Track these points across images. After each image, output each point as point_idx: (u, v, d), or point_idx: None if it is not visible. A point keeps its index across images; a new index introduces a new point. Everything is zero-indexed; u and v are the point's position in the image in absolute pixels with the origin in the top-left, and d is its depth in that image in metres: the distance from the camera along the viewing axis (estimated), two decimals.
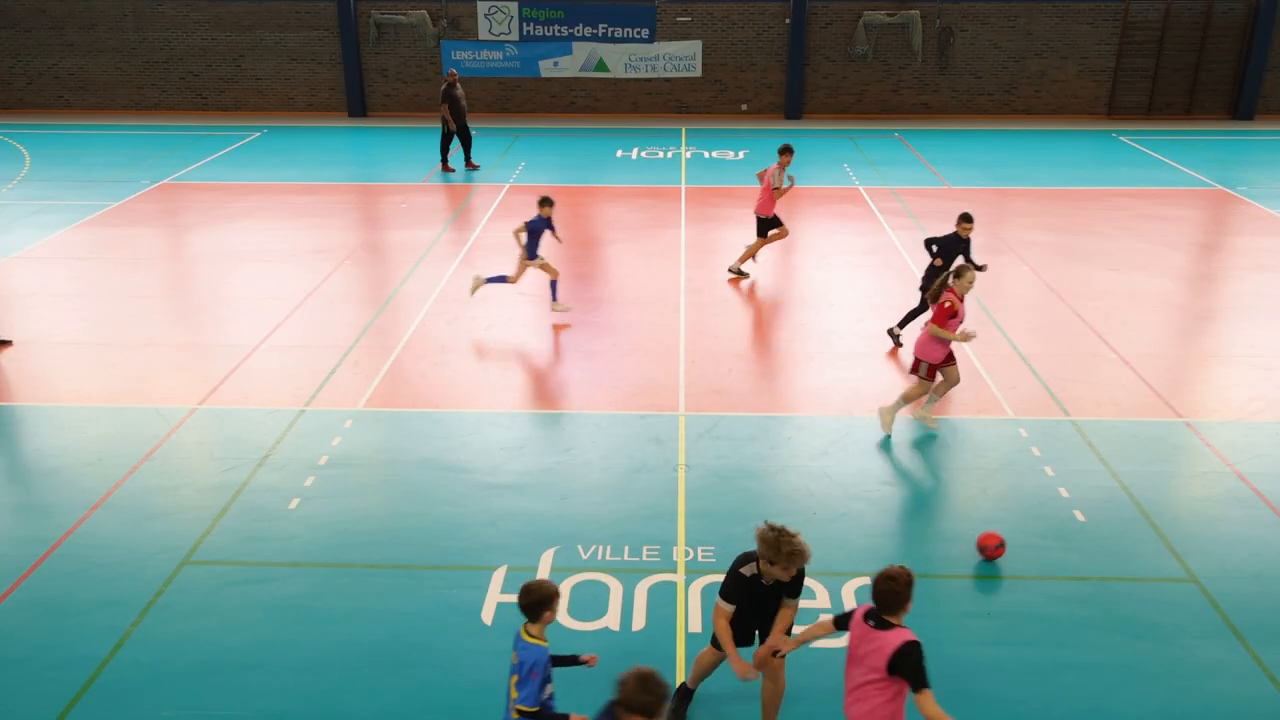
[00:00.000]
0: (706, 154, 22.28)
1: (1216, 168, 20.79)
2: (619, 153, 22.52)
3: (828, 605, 7.37)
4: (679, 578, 7.70)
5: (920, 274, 12.55)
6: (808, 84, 26.22)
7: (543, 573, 7.71)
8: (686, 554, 7.98)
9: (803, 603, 7.37)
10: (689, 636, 7.05)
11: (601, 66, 24.94)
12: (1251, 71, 25.33)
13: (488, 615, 7.29)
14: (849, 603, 7.38)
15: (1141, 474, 9.17)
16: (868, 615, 5.04)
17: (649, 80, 26.02)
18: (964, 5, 25.42)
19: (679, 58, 25.05)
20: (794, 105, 26.11)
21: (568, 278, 14.58)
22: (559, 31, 24.44)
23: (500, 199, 18.60)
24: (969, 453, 9.54)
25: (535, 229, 12.54)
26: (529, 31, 24.41)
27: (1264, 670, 6.72)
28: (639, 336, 12.38)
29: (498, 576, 7.69)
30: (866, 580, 7.58)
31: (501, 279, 12.80)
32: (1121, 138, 23.85)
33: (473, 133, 21.23)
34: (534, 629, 5.19)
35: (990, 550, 7.84)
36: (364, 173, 21.28)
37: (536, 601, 5.15)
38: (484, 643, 7.01)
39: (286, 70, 26.72)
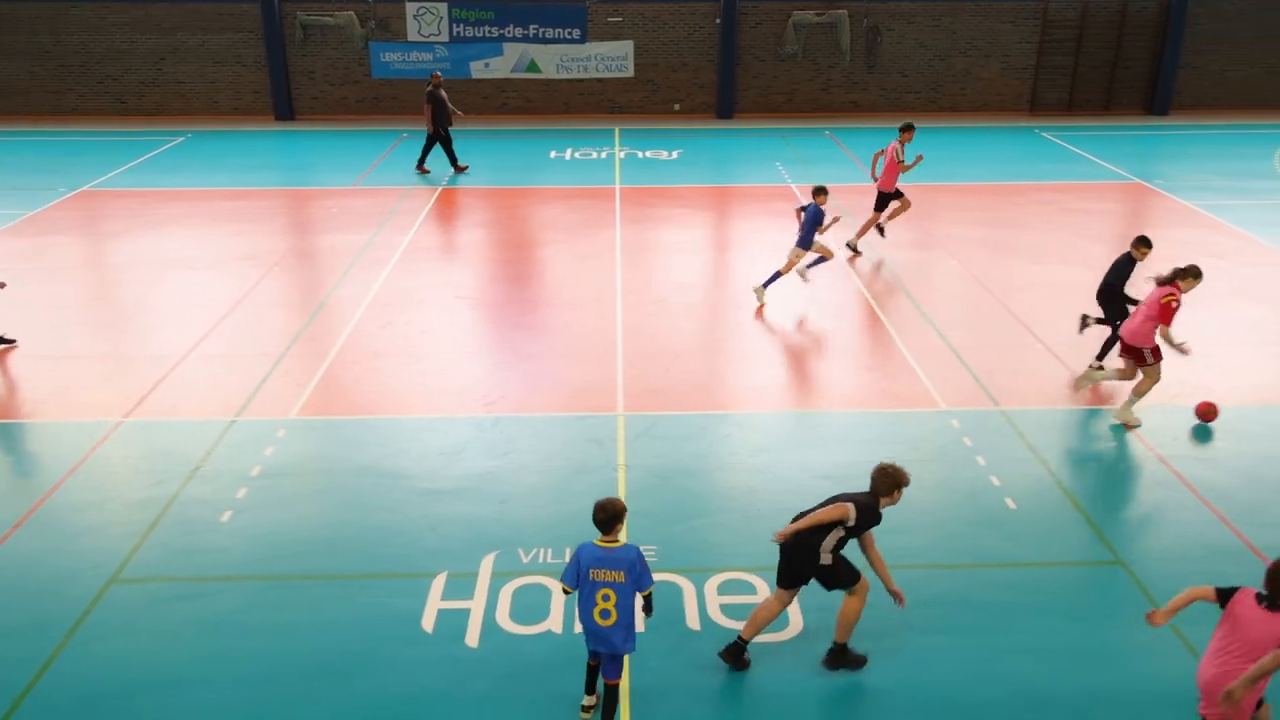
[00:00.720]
0: (640, 154, 22.33)
1: (1134, 161, 21.43)
2: (552, 154, 22.46)
3: None
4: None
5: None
6: (739, 83, 26.42)
7: (483, 579, 7.66)
8: None
9: (741, 597, 7.43)
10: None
11: (533, 67, 24.85)
12: (1165, 68, 26.14)
13: (428, 623, 7.21)
14: None
15: (1068, 461, 9.41)
16: (1259, 598, 5.33)
17: (581, 81, 25.99)
18: (890, 5, 25.83)
19: (611, 58, 25.06)
20: (726, 105, 26.29)
21: (503, 280, 14.50)
22: (489, 32, 24.29)
23: (433, 202, 18.42)
24: (903, 444, 9.69)
25: (813, 217, 12.98)
26: (459, 32, 24.21)
27: (1190, 649, 6.94)
28: (576, 338, 12.36)
29: (437, 583, 7.61)
30: None
31: (775, 277, 13.18)
32: (1044, 134, 24.44)
33: (405, 135, 20.98)
34: (611, 538, 6.00)
35: (1205, 413, 9.77)
36: (292, 177, 20.91)
37: (613, 515, 5.99)
38: (425, 651, 6.93)
39: (210, 73, 26.14)
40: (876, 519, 6.49)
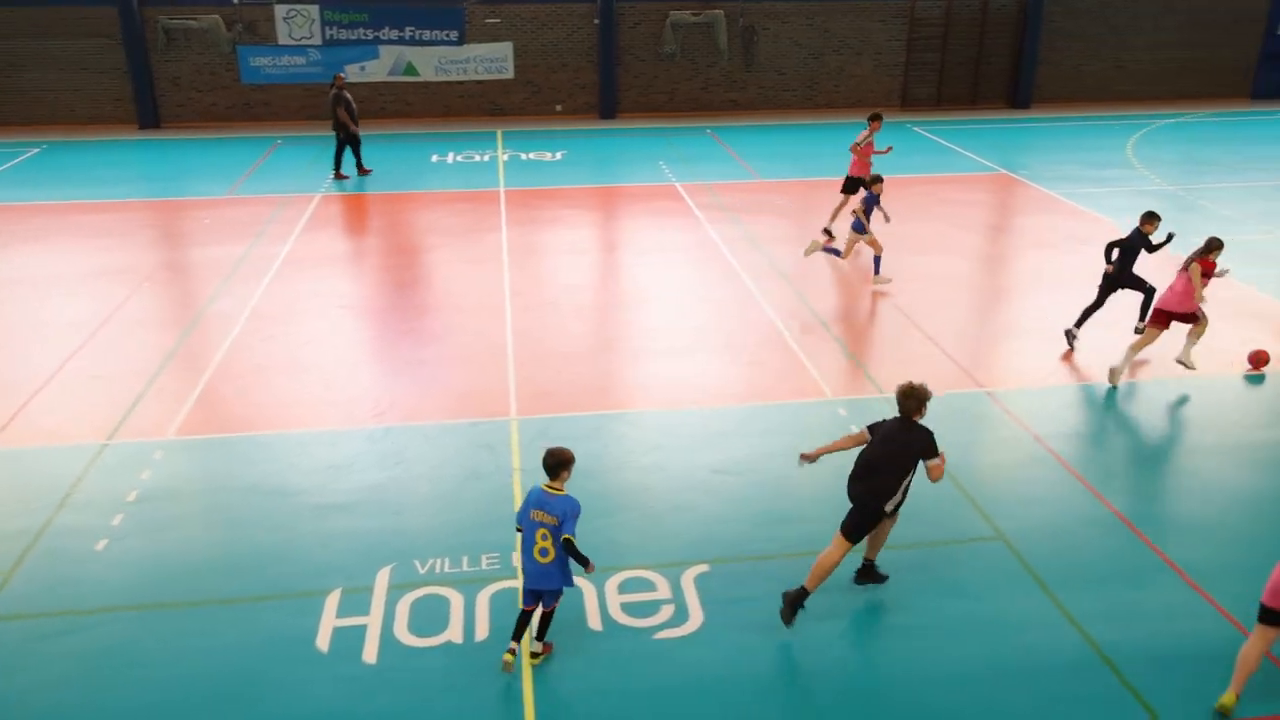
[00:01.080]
0: (524, 156, 22.21)
1: (1000, 153, 22.36)
2: (434, 157, 22.14)
3: (668, 595, 7.48)
4: (520, 584, 7.64)
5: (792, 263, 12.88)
6: (620, 83, 26.54)
7: (378, 592, 7.51)
8: None
9: (642, 594, 7.48)
10: (533, 641, 7.01)
11: (411, 70, 24.45)
12: (1025, 64, 27.37)
13: (323, 641, 7.02)
14: (689, 593, 7.52)
15: (950, 443, 9.71)
16: None
17: (461, 83, 25.71)
18: (765, 5, 26.33)
19: (490, 59, 24.86)
20: (608, 105, 26.37)
21: (388, 287, 14.23)
22: (364, 35, 23.79)
23: (312, 210, 17.94)
24: (794, 435, 9.89)
25: (869, 204, 13.90)
26: (332, 35, 23.64)
27: (1068, 617, 7.28)
28: (465, 343, 12.22)
29: (332, 600, 7.43)
30: (706, 568, 7.77)
31: (835, 252, 14.35)
32: (915, 128, 25.28)
33: (279, 142, 20.38)
34: (556, 485, 6.60)
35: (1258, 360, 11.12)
36: (160, 188, 20.06)
37: (560, 462, 6.61)
38: (321, 670, 6.75)
39: (66, 81, 24.87)
40: (932, 434, 7.00)
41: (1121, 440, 9.86)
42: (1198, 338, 11.27)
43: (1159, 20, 27.73)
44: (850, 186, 16.18)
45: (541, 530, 6.54)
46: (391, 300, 13.71)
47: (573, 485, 8.07)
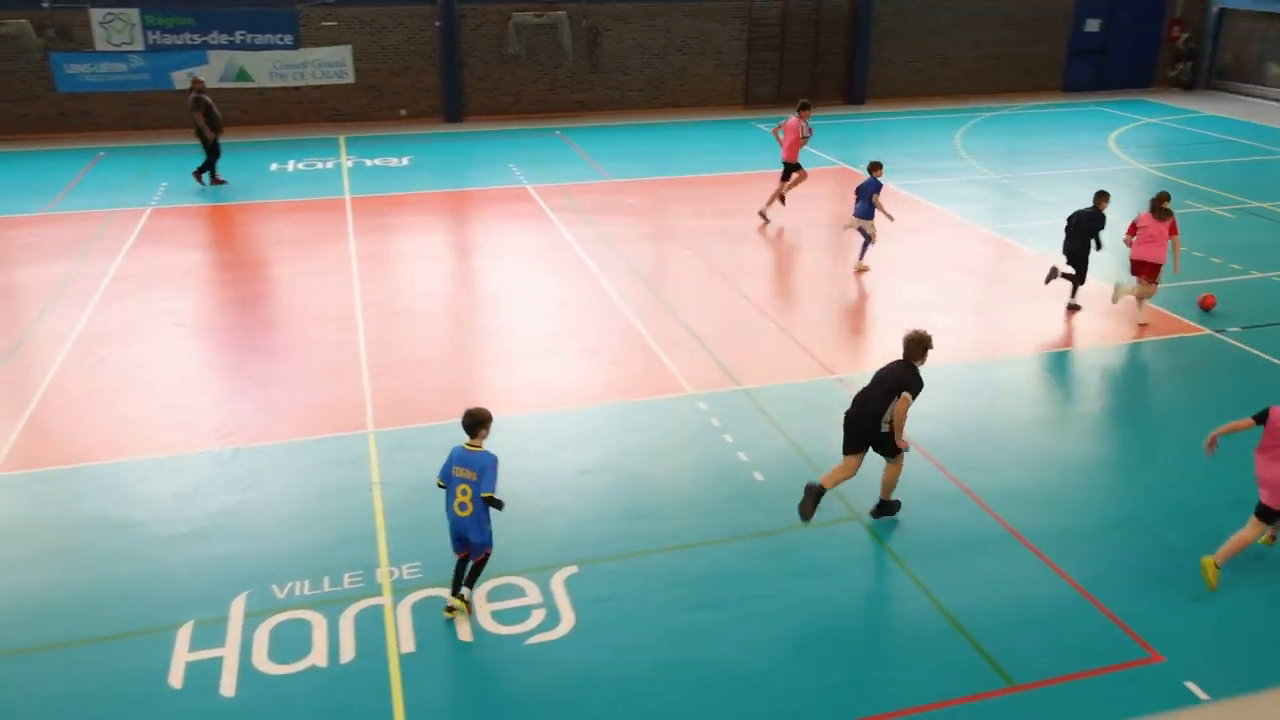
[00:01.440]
0: (368, 162, 21.65)
1: (840, 148, 23.17)
2: (273, 166, 21.32)
3: (539, 600, 7.44)
4: (385, 600, 7.46)
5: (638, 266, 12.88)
6: (465, 86, 26.20)
7: (234, 622, 7.18)
8: (391, 574, 7.75)
9: (512, 601, 7.41)
10: (402, 658, 6.85)
11: (244, 76, 23.44)
12: (858, 61, 28.46)
13: (176, 678, 6.66)
14: (560, 596, 7.49)
15: (806, 430, 10.05)
16: None
17: (298, 89, 24.84)
18: (608, 6, 26.48)
19: (328, 64, 24.08)
20: (453, 108, 26.00)
21: (229, 303, 13.63)
22: (191, 40, 22.65)
23: (142, 224, 16.99)
24: (655, 431, 9.99)
25: (865, 190, 14.53)
26: (155, 41, 22.41)
27: (921, 587, 7.61)
28: (317, 357, 11.83)
29: (183, 634, 7.06)
30: (575, 569, 7.76)
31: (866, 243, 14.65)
32: (759, 125, 25.92)
33: (102, 153, 19.22)
34: (475, 443, 7.12)
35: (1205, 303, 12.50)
36: None
37: (478, 421, 7.15)
38: (175, 708, 6.41)
39: None
40: (921, 382, 8.14)
41: (965, 418, 10.37)
42: (1143, 292, 12.57)
43: (977, 19, 29.30)
44: (787, 172, 17.22)
45: (462, 486, 7.06)
46: (234, 317, 13.13)
47: (437, 496, 7.92)
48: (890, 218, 14.75)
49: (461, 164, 21.81)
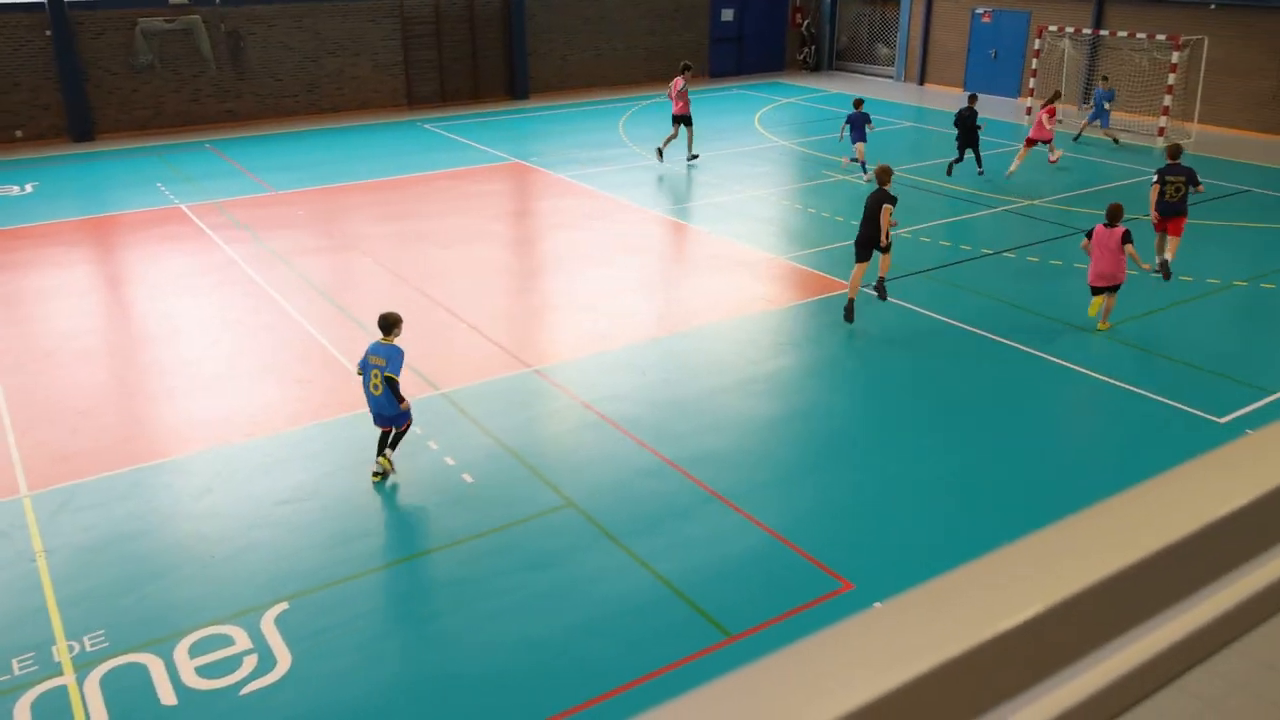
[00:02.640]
0: None
1: (509, 143, 23.38)
2: None
3: (249, 645, 6.94)
4: (68, 679, 6.66)
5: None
6: (92, 101, 23.70)
7: None
8: (71, 649, 6.93)
9: (219, 653, 6.87)
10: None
11: None
12: (517, 56, 28.81)
13: None
14: (272, 637, 7.04)
15: (510, 425, 10.10)
16: (1104, 225, 11.80)
17: None
18: (246, 9, 24.93)
19: None
20: (80, 125, 23.44)
21: None
22: None
23: None
24: (356, 449, 9.62)
25: (855, 121, 18.92)
26: None
27: (638, 560, 7.91)
28: None
29: None
30: (285, 606, 7.32)
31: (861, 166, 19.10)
32: (425, 125, 25.58)
33: None
34: (387, 338, 8.82)
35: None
36: None
37: (390, 322, 8.87)
38: None
39: None
40: (894, 197, 12.03)
41: (657, 393, 10.86)
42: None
43: (622, 12, 30.61)
44: (677, 121, 20.16)
45: (374, 370, 8.71)
46: None
47: (116, 553, 7.25)
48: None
49: (99, 187, 19.74)
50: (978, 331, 12.24)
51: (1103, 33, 25.08)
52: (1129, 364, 11.34)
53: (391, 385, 8.64)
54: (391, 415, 8.81)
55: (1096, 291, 11.99)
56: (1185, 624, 1.15)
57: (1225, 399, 10.48)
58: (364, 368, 8.80)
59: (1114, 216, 11.81)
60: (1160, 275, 13.44)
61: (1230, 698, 2.61)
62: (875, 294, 12.52)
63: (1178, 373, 11.12)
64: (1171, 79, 22.65)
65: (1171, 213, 13.71)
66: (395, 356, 8.76)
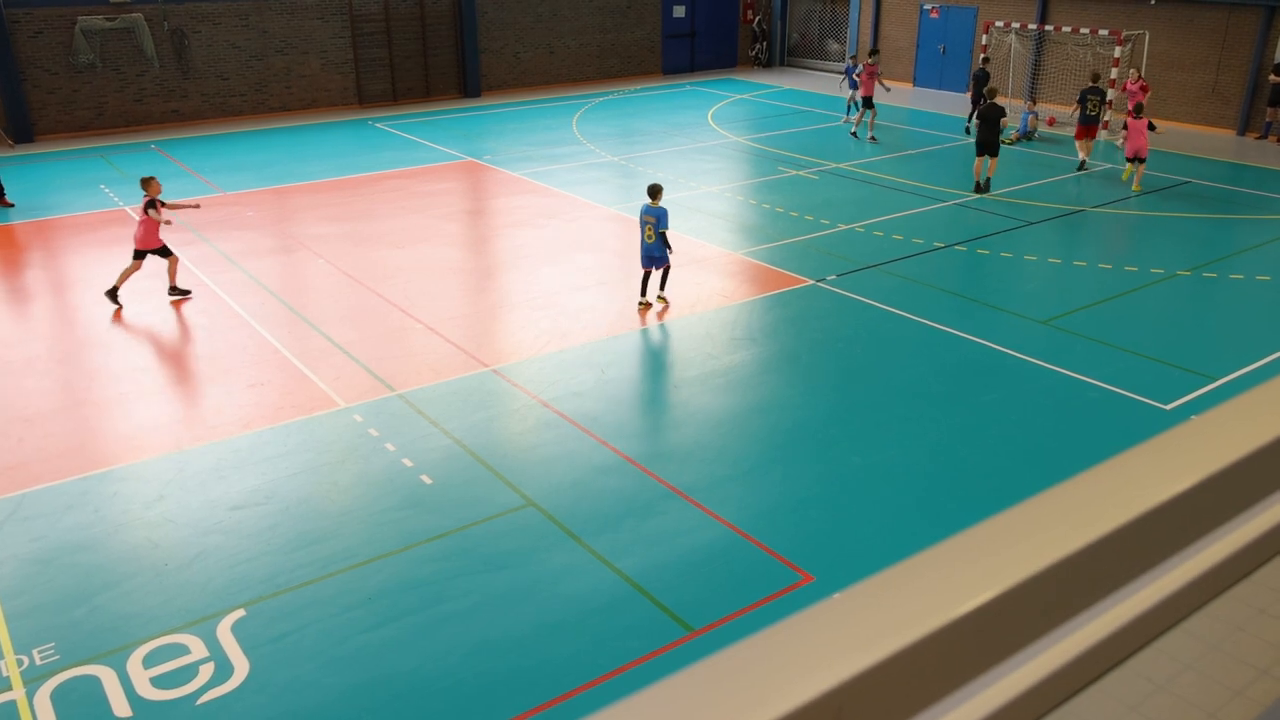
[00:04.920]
0: None
1: (462, 141, 23.23)
2: None
3: (205, 654, 6.84)
4: (18, 694, 6.51)
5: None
6: (31, 101, 23.15)
7: None
8: (20, 663, 6.77)
9: (174, 662, 6.76)
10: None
11: None
12: (468, 54, 28.61)
13: None
14: (228, 644, 6.94)
15: (468, 425, 10.04)
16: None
17: None
18: (190, 6, 24.50)
19: None
20: (20, 127, 22.88)
21: None
22: None
23: None
24: (312, 451, 9.51)
25: (852, 72, 23.26)
26: None
27: (599, 558, 7.90)
28: None
29: None
30: (242, 612, 7.23)
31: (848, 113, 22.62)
32: (377, 124, 25.32)
33: None
34: (655, 201, 12.39)
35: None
36: None
37: (656, 190, 12.42)
38: None
39: None
40: (1004, 109, 17.20)
41: (616, 389, 10.86)
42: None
43: (574, 8, 30.53)
44: (866, 102, 22.55)
45: (647, 225, 12.34)
46: None
47: (65, 564, 7.15)
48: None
49: (40, 189, 19.29)
50: (931, 324, 12.39)
51: (1048, 28, 25.48)
52: (1078, 353, 11.54)
53: (662, 237, 12.26)
54: (658, 256, 12.43)
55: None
56: (1135, 605, 1.17)
57: (1171, 386, 10.71)
58: (641, 223, 12.40)
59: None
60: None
61: (1181, 676, 2.67)
62: (979, 192, 17.86)
63: (1124, 361, 11.34)
64: (1114, 73, 23.09)
65: (1090, 123, 19.94)
66: (662, 215, 12.28)
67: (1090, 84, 20.19)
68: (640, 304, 12.77)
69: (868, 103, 22.27)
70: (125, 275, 13.26)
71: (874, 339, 12.09)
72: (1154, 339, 11.99)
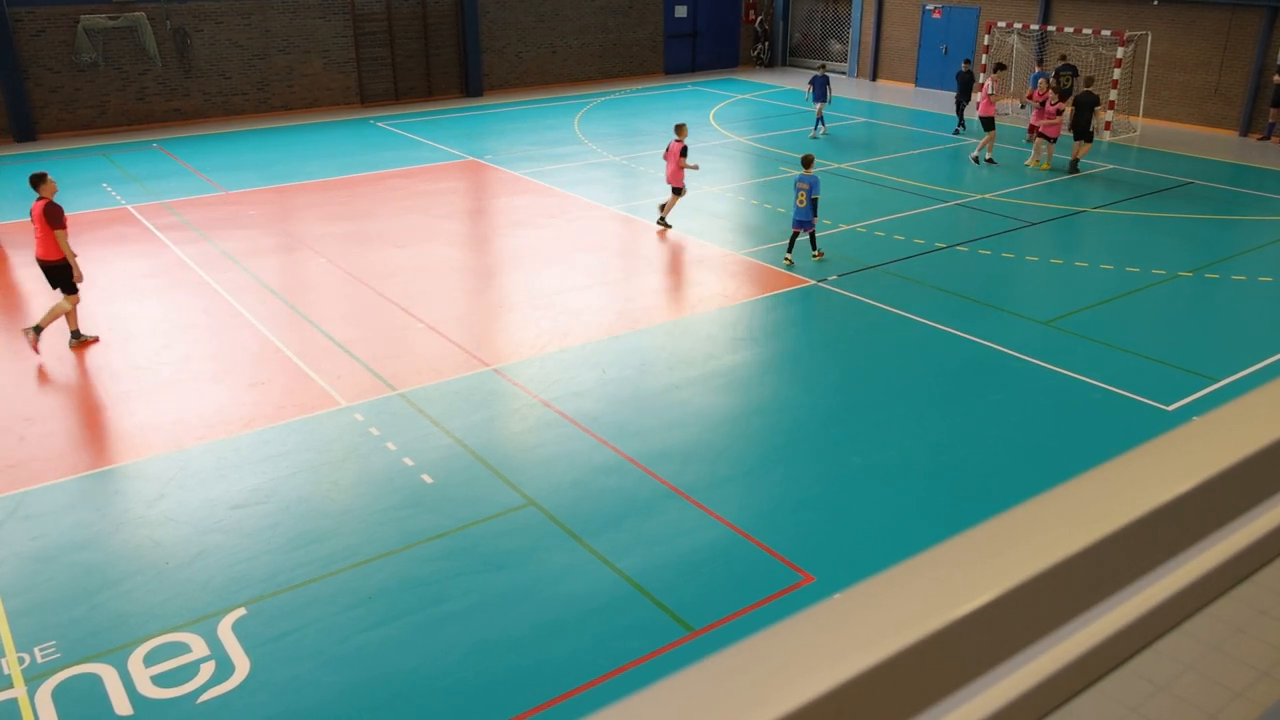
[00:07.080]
0: None
1: (464, 141, 23.23)
2: None
3: (206, 652, 6.85)
4: (19, 692, 6.52)
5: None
6: (34, 100, 23.17)
7: None
8: (21, 661, 6.78)
9: (176, 660, 6.77)
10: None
11: None
12: (471, 54, 28.62)
13: None
14: (229, 643, 6.95)
15: (469, 425, 10.05)
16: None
17: None
18: (193, 5, 24.51)
19: None
20: (22, 126, 22.91)
21: None
22: None
23: None
24: (312, 451, 9.52)
25: (817, 81, 22.68)
26: None
27: (600, 558, 7.90)
28: None
29: None
30: (243, 611, 7.23)
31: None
32: (379, 123, 25.32)
33: None
34: (808, 170, 13.96)
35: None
36: None
37: (809, 160, 14.18)
38: None
39: None
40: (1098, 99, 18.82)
41: (616, 389, 10.86)
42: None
43: (576, 8, 30.53)
44: (986, 122, 21.85)
45: (800, 191, 13.75)
46: None
47: (66, 562, 7.15)
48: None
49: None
50: (932, 324, 12.39)
51: (1050, 28, 25.47)
52: (1079, 354, 11.54)
53: (814, 203, 13.63)
54: (805, 220, 13.87)
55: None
56: (1135, 607, 1.17)
57: (1172, 387, 10.71)
58: (794, 188, 13.87)
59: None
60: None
61: (1181, 678, 2.67)
62: (1070, 172, 19.41)
63: (1126, 362, 11.34)
64: (1116, 74, 23.08)
65: (1067, 96, 21.50)
66: (814, 182, 13.62)
67: (1060, 61, 23.65)
68: (785, 259, 14.34)
69: (989, 123, 20.37)
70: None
71: (875, 340, 12.08)
72: (1156, 340, 11.98)
